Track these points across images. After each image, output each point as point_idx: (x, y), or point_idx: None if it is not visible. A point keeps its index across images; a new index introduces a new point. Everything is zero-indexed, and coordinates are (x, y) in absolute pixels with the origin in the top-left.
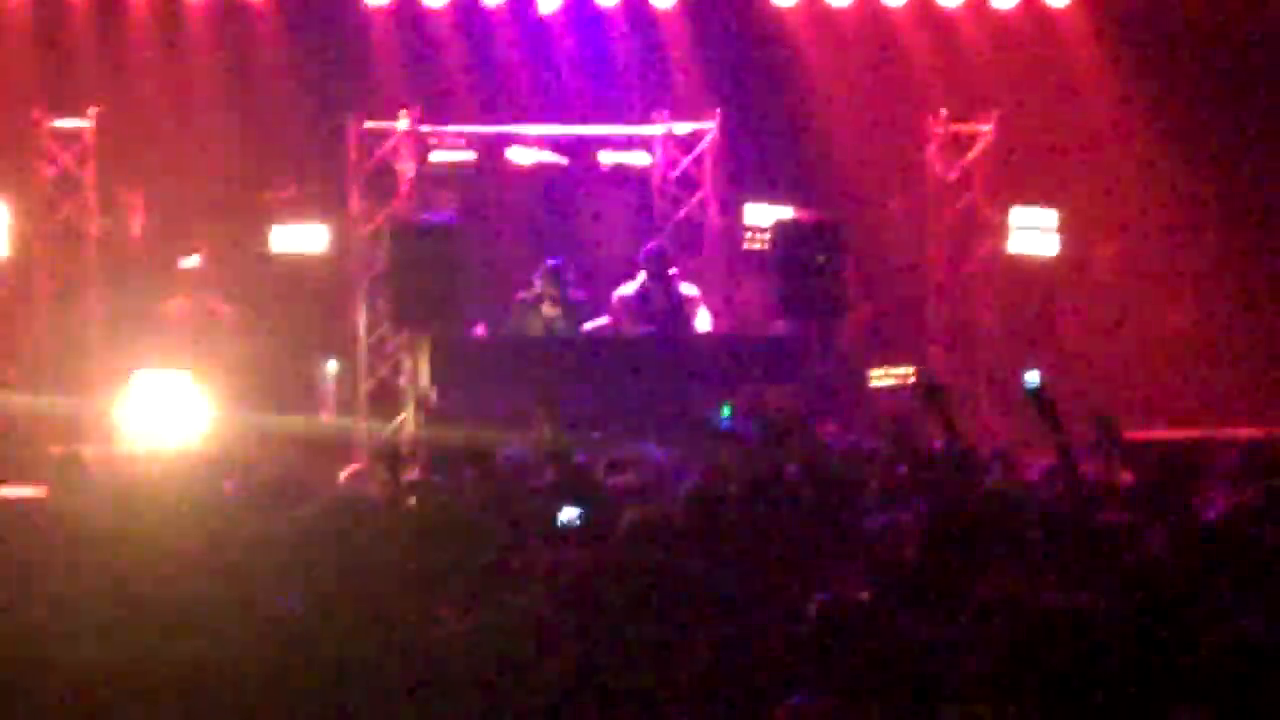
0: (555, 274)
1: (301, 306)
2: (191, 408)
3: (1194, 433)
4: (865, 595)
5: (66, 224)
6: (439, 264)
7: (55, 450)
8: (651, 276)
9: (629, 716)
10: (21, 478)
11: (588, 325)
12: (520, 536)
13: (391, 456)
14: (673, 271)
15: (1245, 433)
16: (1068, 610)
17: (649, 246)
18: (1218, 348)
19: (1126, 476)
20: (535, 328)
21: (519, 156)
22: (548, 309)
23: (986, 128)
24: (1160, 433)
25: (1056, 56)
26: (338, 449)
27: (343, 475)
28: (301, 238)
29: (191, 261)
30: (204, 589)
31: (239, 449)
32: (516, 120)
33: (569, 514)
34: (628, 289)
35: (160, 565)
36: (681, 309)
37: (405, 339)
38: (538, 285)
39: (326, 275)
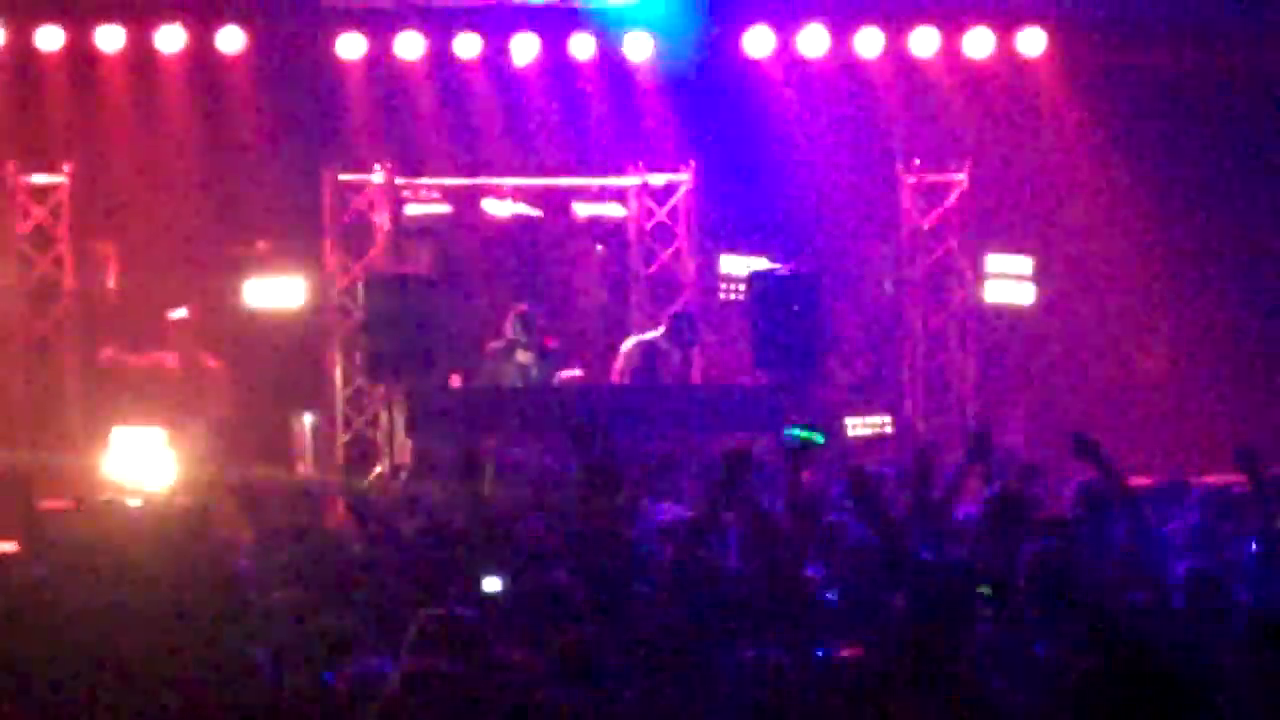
0: (525, 319)
1: (278, 359)
2: (168, 462)
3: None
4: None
5: (41, 279)
6: (414, 316)
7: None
8: (675, 340)
9: None
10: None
11: (563, 374)
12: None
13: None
14: (693, 344)
15: (1216, 479)
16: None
17: (678, 310)
18: (1191, 394)
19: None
20: (509, 375)
21: (494, 209)
22: (521, 356)
23: (960, 176)
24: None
25: (1030, 106)
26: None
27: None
28: (277, 291)
29: (180, 314)
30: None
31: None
32: (491, 173)
33: (492, 584)
34: (641, 339)
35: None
36: (689, 373)
37: (382, 391)
38: (509, 332)
39: (302, 328)
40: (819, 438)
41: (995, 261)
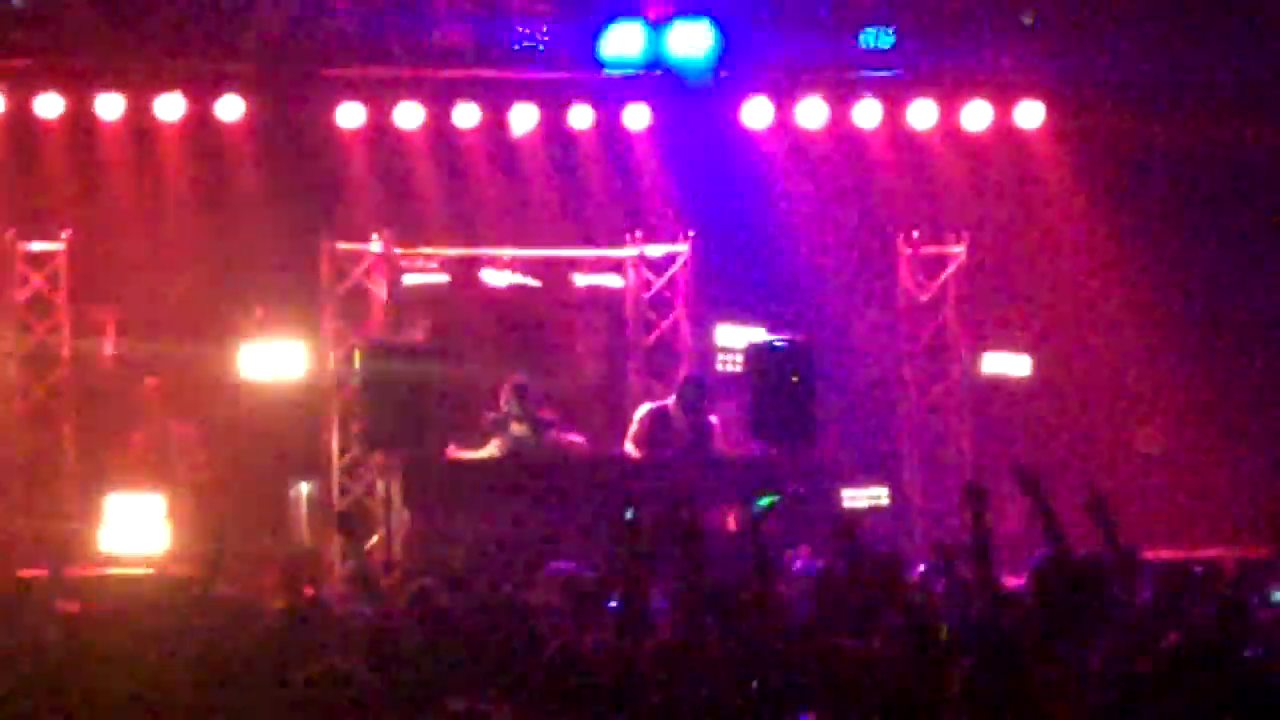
0: (519, 391)
1: (275, 427)
2: (162, 530)
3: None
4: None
5: (39, 345)
6: (411, 386)
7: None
8: (683, 406)
9: None
10: None
11: (565, 437)
12: None
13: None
14: (712, 419)
15: (1212, 554)
16: None
17: (691, 375)
18: (1188, 467)
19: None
20: (504, 447)
21: (492, 279)
22: (516, 428)
23: (958, 249)
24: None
25: (1027, 178)
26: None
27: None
28: (274, 361)
29: (150, 383)
30: None
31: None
32: (489, 243)
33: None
34: (653, 406)
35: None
36: (705, 438)
37: (378, 460)
38: (503, 404)
39: (300, 397)
40: (772, 499)
41: (993, 335)
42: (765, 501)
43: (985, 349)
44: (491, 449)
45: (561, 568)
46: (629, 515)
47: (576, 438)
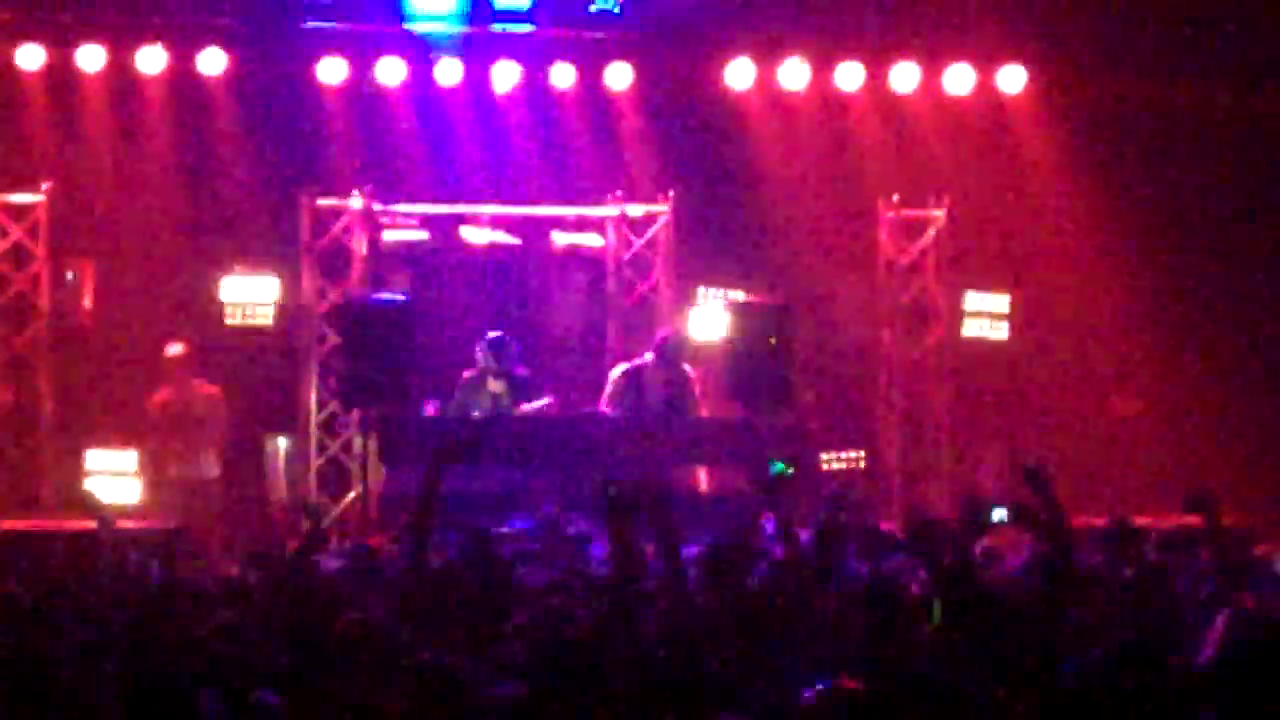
0: (496, 347)
1: (252, 382)
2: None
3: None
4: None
5: (18, 297)
6: (390, 343)
7: None
8: (662, 362)
9: None
10: None
11: (527, 406)
12: None
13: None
14: (687, 369)
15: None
16: None
17: (668, 334)
18: (1167, 433)
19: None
20: (482, 404)
21: (472, 236)
22: (493, 384)
23: (939, 213)
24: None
25: (1009, 143)
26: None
27: None
28: (253, 289)
29: (175, 350)
30: None
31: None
32: (470, 200)
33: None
34: (628, 366)
35: None
36: (682, 394)
37: (356, 417)
38: (480, 360)
39: (278, 351)
40: (788, 470)
41: (973, 298)
42: (779, 467)
43: (967, 286)
44: (468, 406)
45: (519, 524)
46: (610, 491)
47: (547, 399)
